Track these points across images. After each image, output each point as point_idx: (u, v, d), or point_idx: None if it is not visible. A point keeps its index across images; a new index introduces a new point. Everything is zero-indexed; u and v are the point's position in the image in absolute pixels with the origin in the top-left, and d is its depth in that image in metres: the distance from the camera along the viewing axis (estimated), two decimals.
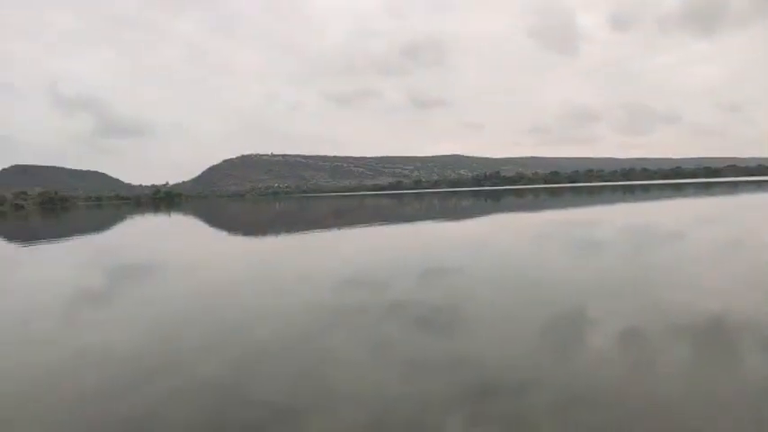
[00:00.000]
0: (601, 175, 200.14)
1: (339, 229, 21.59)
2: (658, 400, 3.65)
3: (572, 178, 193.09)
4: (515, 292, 7.34)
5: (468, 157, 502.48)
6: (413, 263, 10.60)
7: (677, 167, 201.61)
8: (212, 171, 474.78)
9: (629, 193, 51.01)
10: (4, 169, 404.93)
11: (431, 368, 4.38)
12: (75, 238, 21.91)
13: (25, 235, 26.05)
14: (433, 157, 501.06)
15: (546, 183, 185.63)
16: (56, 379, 4.43)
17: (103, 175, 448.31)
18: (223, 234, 22.15)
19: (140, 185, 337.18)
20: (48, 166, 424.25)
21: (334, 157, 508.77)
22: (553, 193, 68.87)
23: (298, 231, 21.46)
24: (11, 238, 24.08)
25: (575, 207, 31.41)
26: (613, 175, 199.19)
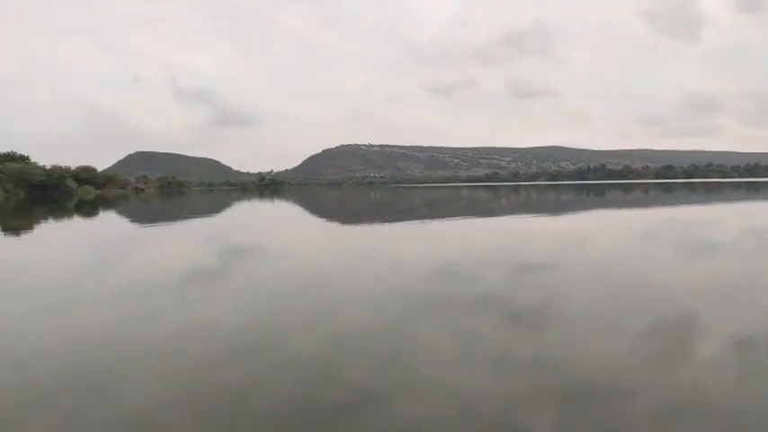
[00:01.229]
0: (721, 171, 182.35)
1: (432, 220, 21.58)
2: None
3: (688, 173, 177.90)
4: (615, 294, 6.93)
5: (570, 148, 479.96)
6: (506, 258, 10.36)
7: None
8: (313, 160, 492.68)
9: (754, 191, 46.05)
10: (129, 155, 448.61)
11: (520, 365, 4.27)
12: (189, 220, 23.83)
13: (145, 217, 28.70)
14: (532, 148, 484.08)
15: (658, 177, 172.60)
16: (165, 349, 4.85)
17: (216, 162, 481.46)
18: (321, 220, 22.98)
19: (247, 173, 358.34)
20: (167, 153, 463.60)
21: (430, 147, 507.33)
22: (666, 188, 63.88)
23: (391, 221, 21.74)
24: (134, 218, 26.65)
25: (689, 205, 28.98)
26: (736, 171, 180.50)
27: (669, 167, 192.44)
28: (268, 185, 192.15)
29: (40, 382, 4.00)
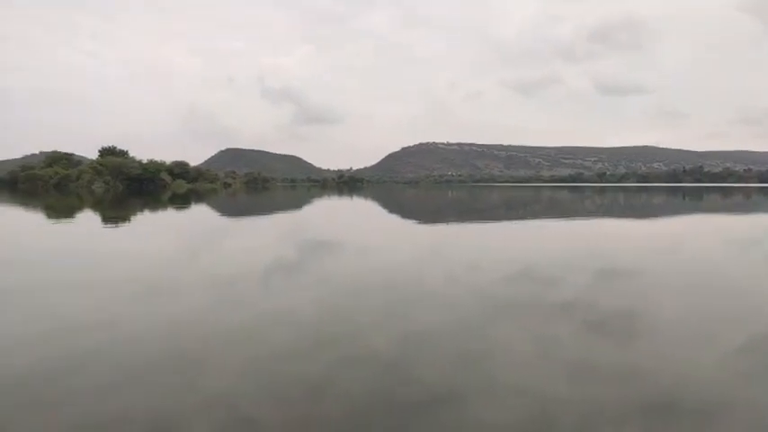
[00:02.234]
0: None
1: (511, 220, 21.05)
2: None
3: None
4: (710, 304, 6.41)
5: (662, 149, 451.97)
6: (590, 262, 9.88)
7: None
8: (391, 158, 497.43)
9: None
10: (220, 152, 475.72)
11: (601, 375, 4.06)
12: (272, 214, 24.77)
13: (232, 210, 30.17)
14: (620, 148, 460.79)
15: (761, 181, 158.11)
16: (249, 337, 5.06)
17: (298, 159, 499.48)
18: (397, 218, 23.09)
19: (328, 169, 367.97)
20: (254, 150, 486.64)
21: (510, 146, 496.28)
22: None
23: (468, 220, 21.43)
24: (222, 211, 28.10)
25: None
26: None
27: None
28: (347, 182, 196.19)
29: (132, 362, 4.31)
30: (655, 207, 31.65)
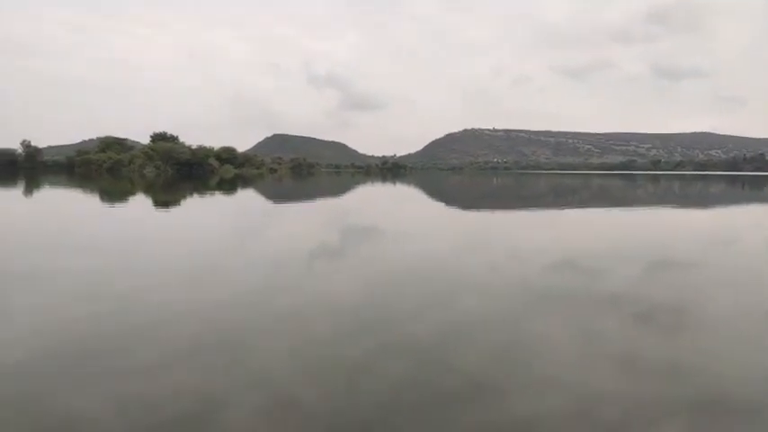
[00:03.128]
0: None
1: (557, 208, 20.58)
2: None
3: None
4: (761, 300, 6.09)
5: (721, 135, 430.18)
6: (639, 253, 9.57)
7: None
8: (435, 144, 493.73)
9: None
10: (267, 138, 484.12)
11: (648, 370, 3.95)
12: (316, 200, 25.11)
13: (278, 195, 30.73)
14: (676, 134, 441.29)
15: None
16: (291, 320, 5.18)
17: (343, 145, 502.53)
18: (440, 205, 22.96)
19: (372, 156, 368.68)
20: (300, 136, 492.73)
21: (558, 132, 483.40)
22: None
23: (512, 208, 21.10)
24: (267, 196, 28.68)
25: None
26: None
27: None
28: (390, 169, 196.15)
29: (180, 342, 4.50)
30: (711, 197, 30.25)
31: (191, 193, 27.75)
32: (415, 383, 3.70)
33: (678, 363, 4.09)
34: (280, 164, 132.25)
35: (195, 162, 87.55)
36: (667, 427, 3.13)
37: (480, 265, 8.15)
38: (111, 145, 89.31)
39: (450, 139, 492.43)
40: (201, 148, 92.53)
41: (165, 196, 26.08)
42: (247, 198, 26.43)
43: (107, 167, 79.57)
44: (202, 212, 17.88)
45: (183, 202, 21.77)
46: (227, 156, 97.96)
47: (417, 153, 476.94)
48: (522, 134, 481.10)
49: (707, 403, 3.43)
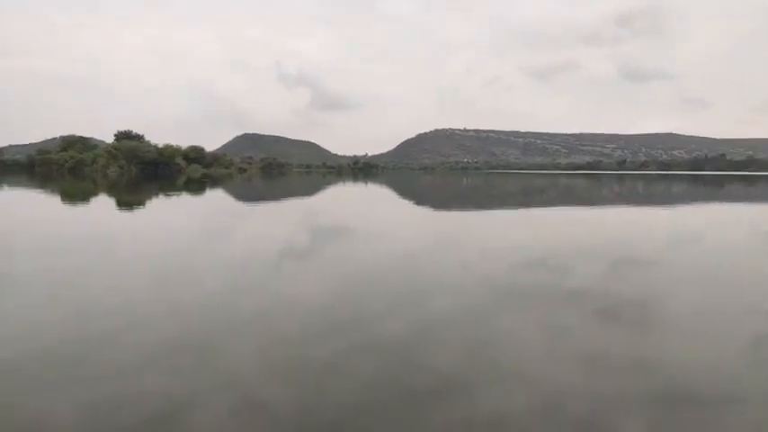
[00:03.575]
0: None
1: (525, 208, 20.92)
2: None
3: None
4: (726, 296, 6.35)
5: (684, 136, 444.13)
6: (604, 250, 9.82)
7: None
8: (407, 144, 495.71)
9: None
10: (236, 137, 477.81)
11: (613, 365, 4.06)
12: (286, 200, 24.90)
13: (247, 195, 30.38)
14: (640, 135, 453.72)
15: None
16: (259, 321, 5.14)
17: (314, 145, 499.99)
18: (410, 204, 23.06)
19: (344, 155, 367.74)
20: (270, 136, 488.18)
21: (528, 132, 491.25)
22: None
23: (482, 208, 21.34)
24: (236, 196, 28.32)
25: None
26: None
27: None
28: (362, 169, 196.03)
29: (146, 345, 4.41)
30: (674, 196, 31.18)
31: (156, 194, 27.16)
32: (385, 382, 3.71)
33: (642, 358, 4.21)
34: (250, 164, 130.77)
35: (161, 162, 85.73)
36: (632, 421, 3.22)
37: (450, 264, 8.22)
38: (74, 144, 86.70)
39: (421, 138, 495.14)
40: (168, 148, 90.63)
41: (129, 197, 25.46)
42: (215, 198, 26.04)
43: (69, 167, 77.22)
44: (168, 213, 17.54)
45: (147, 203, 21.30)
46: (194, 155, 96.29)
47: (389, 153, 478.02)
48: (493, 134, 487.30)
49: (671, 397, 3.53)
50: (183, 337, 4.58)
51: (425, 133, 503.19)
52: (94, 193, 27.01)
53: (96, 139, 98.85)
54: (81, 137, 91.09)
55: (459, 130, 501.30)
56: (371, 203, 24.32)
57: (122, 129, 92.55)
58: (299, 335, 4.68)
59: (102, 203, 20.68)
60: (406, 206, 22.46)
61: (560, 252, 9.58)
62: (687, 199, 27.93)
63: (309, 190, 36.12)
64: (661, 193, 34.88)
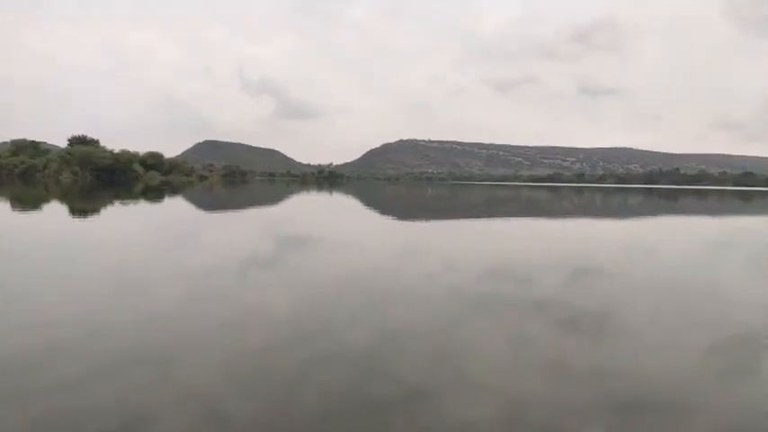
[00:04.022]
0: None
1: (488, 218, 21.26)
2: None
3: None
4: (681, 306, 6.61)
5: (640, 150, 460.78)
6: (564, 261, 10.07)
7: None
8: (372, 154, 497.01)
9: None
10: (197, 144, 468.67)
11: (573, 374, 4.17)
12: (249, 209, 24.56)
13: (209, 204, 29.83)
14: (598, 149, 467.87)
15: (736, 185, 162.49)
16: (222, 332, 5.05)
17: (278, 153, 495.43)
18: (376, 214, 23.11)
19: (308, 164, 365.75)
20: (233, 143, 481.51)
21: (491, 144, 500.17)
22: (745, 197, 60.03)
23: (446, 218, 21.57)
24: (198, 205, 27.76)
25: None
26: None
27: (749, 174, 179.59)
28: (327, 178, 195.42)
29: (104, 356, 4.28)
30: (630, 208, 32.26)
31: (111, 201, 26.36)
32: (350, 393, 3.71)
33: (601, 366, 4.34)
34: (211, 171, 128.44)
35: (117, 168, 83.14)
36: (591, 428, 3.31)
37: (415, 274, 8.28)
38: (25, 148, 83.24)
39: (386, 149, 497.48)
40: (125, 153, 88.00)
41: (84, 204, 24.63)
42: (175, 206, 25.46)
43: (19, 173, 74.09)
44: (125, 221, 17.04)
45: (103, 211, 20.64)
46: (152, 161, 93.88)
47: (354, 162, 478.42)
48: (456, 146, 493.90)
49: (629, 405, 3.66)
50: (142, 349, 4.46)
51: (390, 143, 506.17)
52: (46, 200, 26.00)
53: (49, 144, 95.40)
54: (32, 141, 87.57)
55: (423, 141, 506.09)
56: (337, 213, 24.26)
57: (77, 133, 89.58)
58: (263, 345, 4.63)
59: (55, 211, 19.93)
60: (372, 216, 22.50)
61: (523, 262, 9.78)
62: (643, 211, 28.94)
63: (273, 199, 35.76)
64: (618, 205, 36.04)
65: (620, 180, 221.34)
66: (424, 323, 5.49)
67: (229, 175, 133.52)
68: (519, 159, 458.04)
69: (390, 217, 22.16)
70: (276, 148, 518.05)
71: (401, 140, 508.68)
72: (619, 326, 5.60)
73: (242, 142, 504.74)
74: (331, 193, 51.91)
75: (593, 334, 5.30)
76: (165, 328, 5.09)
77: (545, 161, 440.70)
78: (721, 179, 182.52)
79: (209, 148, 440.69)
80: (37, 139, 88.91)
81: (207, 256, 9.80)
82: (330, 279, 7.72)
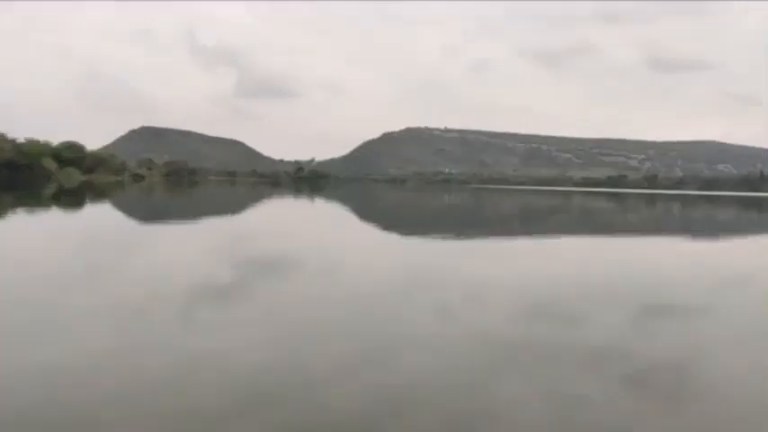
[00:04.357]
0: None
1: (527, 237, 21.25)
2: None
3: None
4: None
5: (733, 145, 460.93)
6: (624, 296, 10.05)
7: None
8: (369, 147, 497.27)
9: None
10: (132, 131, 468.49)
11: None
12: (201, 221, 24.55)
13: (146, 214, 29.87)
14: (676, 143, 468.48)
15: None
16: (162, 391, 5.01)
17: (240, 144, 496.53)
18: (374, 230, 23.08)
19: (281, 160, 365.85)
20: (180, 131, 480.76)
21: (530, 136, 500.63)
22: None
23: (468, 237, 21.55)
24: (130, 215, 27.78)
25: None
26: None
27: None
28: (307, 179, 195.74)
29: (12, 419, 4.23)
30: (720, 224, 32.23)
31: (11, 209, 26.37)
32: None
33: None
34: (150, 168, 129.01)
35: (22, 164, 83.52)
36: None
37: (427, 314, 8.23)
38: None
39: (387, 140, 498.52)
40: (32, 144, 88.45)
41: None
42: (99, 216, 25.51)
43: None
44: (26, 236, 17.03)
45: None
46: (70, 155, 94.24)
47: (344, 158, 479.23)
48: (483, 136, 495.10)
49: None
50: (50, 407, 4.43)
51: (393, 133, 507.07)
52: None
53: None
54: None
55: (438, 129, 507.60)
56: (317, 222, 24.24)
57: None
58: (217, 410, 4.58)
59: None
60: (366, 232, 22.48)
61: (572, 296, 9.74)
62: (740, 228, 28.92)
63: (233, 207, 35.80)
64: (704, 219, 36.02)
65: (707, 185, 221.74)
66: (439, 376, 5.45)
67: (174, 175, 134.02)
68: (568, 156, 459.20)
69: (392, 232, 22.13)
70: (238, 138, 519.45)
71: (408, 129, 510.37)
72: (702, 385, 5.56)
73: (192, 130, 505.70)
74: (312, 199, 51.93)
75: (668, 397, 5.25)
76: (85, 383, 5.05)
77: (604, 159, 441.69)
78: None
79: (148, 136, 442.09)
80: None
81: (144, 287, 9.75)
82: (310, 319, 7.66)
